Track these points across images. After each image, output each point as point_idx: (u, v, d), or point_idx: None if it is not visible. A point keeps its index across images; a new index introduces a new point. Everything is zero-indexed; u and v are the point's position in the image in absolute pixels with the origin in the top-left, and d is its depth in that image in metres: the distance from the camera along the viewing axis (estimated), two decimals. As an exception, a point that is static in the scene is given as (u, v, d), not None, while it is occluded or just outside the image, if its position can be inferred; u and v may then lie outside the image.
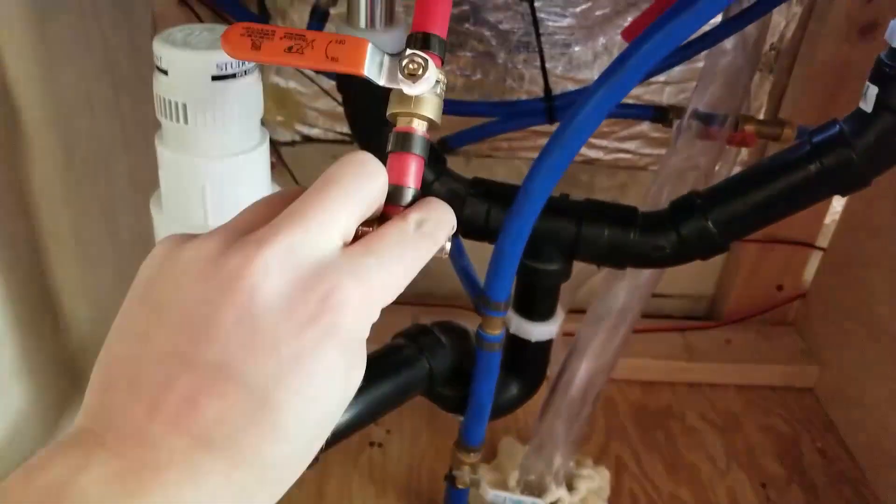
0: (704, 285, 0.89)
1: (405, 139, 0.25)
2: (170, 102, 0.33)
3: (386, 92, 0.25)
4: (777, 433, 0.75)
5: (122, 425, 0.21)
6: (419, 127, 0.25)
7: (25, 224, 0.45)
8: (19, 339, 0.45)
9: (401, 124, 0.25)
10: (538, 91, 0.72)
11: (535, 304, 0.53)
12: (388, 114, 0.26)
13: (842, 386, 0.77)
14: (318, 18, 0.59)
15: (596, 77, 0.73)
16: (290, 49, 0.24)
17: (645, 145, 0.79)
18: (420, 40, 0.25)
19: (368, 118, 0.50)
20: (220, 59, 0.32)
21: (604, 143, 0.79)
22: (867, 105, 0.39)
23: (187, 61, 0.32)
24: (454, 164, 0.80)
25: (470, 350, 0.51)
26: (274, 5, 0.71)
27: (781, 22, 0.72)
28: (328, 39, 0.24)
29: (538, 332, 0.54)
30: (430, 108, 0.25)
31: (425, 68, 0.24)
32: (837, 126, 0.42)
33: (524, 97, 0.75)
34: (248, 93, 0.34)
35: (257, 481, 0.21)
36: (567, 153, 0.38)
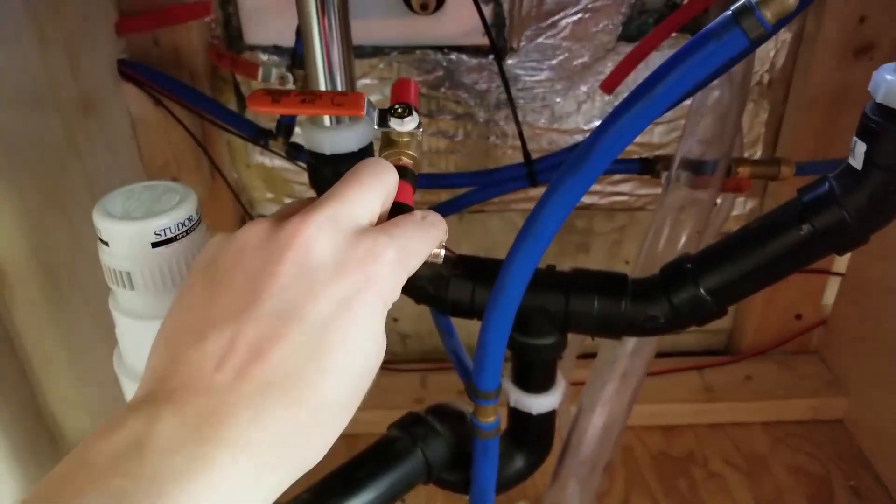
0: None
1: (399, 171, 0.30)
2: (114, 271, 0.33)
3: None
4: (807, 473, 0.72)
5: (190, 381, 0.23)
6: (407, 162, 0.32)
7: (14, 356, 0.45)
8: (20, 473, 0.45)
9: (392, 162, 0.31)
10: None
11: (532, 377, 0.51)
12: (379, 154, 0.33)
13: (873, 416, 0.74)
14: (289, 115, 0.59)
15: (581, 125, 0.73)
16: (303, 101, 0.31)
17: (640, 186, 0.78)
18: (400, 103, 0.33)
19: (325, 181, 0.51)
20: (158, 224, 0.32)
21: (598, 187, 0.78)
22: (856, 161, 0.37)
23: (126, 232, 0.32)
24: (447, 222, 0.79)
25: (468, 433, 0.49)
26: (249, 90, 0.71)
27: (771, 50, 0.71)
28: (333, 94, 0.31)
29: (539, 404, 0.52)
30: (414, 147, 0.33)
31: (409, 112, 0.32)
32: (827, 184, 0.40)
33: (510, 152, 0.74)
34: (192, 251, 0.34)
35: (312, 423, 0.23)
36: (539, 245, 0.36)
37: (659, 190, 0.78)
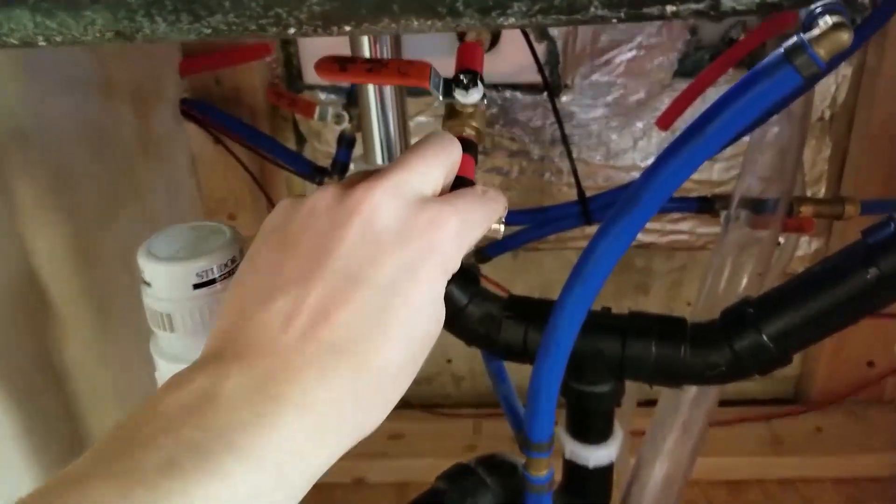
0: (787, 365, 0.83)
1: (462, 144, 0.30)
2: (156, 313, 0.33)
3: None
4: (886, 534, 0.68)
5: (258, 340, 0.23)
6: (470, 134, 0.32)
7: (61, 397, 0.46)
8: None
9: (455, 134, 0.31)
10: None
11: (587, 427, 0.50)
12: (442, 127, 0.32)
13: (958, 473, 0.70)
14: (346, 145, 0.60)
15: (638, 162, 0.72)
16: (369, 70, 0.31)
17: (700, 225, 0.76)
18: (465, 71, 0.32)
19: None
20: (201, 266, 0.32)
21: (657, 225, 0.76)
22: (925, 201, 0.35)
23: (168, 273, 0.32)
24: (501, 260, 0.79)
25: (520, 486, 0.48)
26: (309, 129, 0.73)
27: (832, 85, 0.69)
28: (399, 62, 0.31)
29: (596, 456, 0.50)
30: (478, 119, 0.32)
31: (475, 82, 0.31)
32: (892, 225, 0.38)
33: (565, 189, 0.74)
34: None
35: (373, 387, 0.24)
36: (592, 286, 0.35)
37: (720, 229, 0.76)
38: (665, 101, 0.69)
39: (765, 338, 0.42)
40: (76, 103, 0.46)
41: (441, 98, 0.32)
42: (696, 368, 0.44)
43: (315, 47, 0.69)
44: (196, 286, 0.32)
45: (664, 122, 0.60)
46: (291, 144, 0.74)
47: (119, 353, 0.51)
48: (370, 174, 0.27)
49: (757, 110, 0.31)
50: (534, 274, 0.81)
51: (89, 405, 0.47)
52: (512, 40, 0.65)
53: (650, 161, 0.72)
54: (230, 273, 0.33)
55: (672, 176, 0.33)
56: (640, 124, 0.70)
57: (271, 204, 0.73)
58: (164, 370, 0.35)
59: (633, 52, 0.66)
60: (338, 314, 0.24)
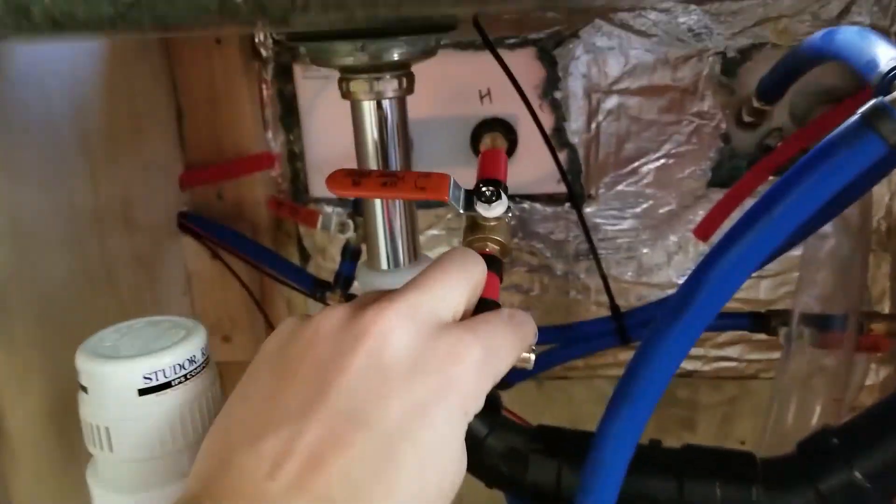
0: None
1: (485, 261, 0.28)
2: (92, 427, 0.26)
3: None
4: None
5: (241, 484, 0.21)
6: (493, 249, 0.30)
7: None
8: None
9: (477, 249, 0.29)
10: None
11: (637, 591, 0.41)
12: (463, 242, 0.31)
13: None
14: (350, 257, 0.55)
15: (673, 279, 0.67)
16: (384, 184, 0.29)
17: (751, 350, 0.69)
18: (488, 182, 0.30)
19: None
20: (149, 367, 0.26)
21: (701, 351, 0.70)
22: None
23: (108, 374, 0.26)
24: (523, 388, 0.72)
25: None
26: (313, 245, 0.70)
27: (885, 195, 0.64)
28: (416, 175, 0.30)
29: None
30: (503, 233, 0.30)
31: (498, 195, 0.29)
32: None
33: (593, 308, 0.68)
34: (192, 402, 0.27)
35: None
36: (641, 412, 0.29)
37: (774, 354, 0.69)
38: (700, 213, 0.65)
39: (858, 475, 0.34)
40: (57, 201, 0.42)
41: (462, 211, 0.30)
42: (772, 516, 0.37)
43: (322, 161, 0.67)
44: (142, 391, 0.26)
45: (703, 232, 0.56)
46: (295, 261, 0.70)
47: (74, 498, 0.43)
48: (384, 294, 0.25)
49: (833, 186, 0.26)
50: (561, 406, 0.73)
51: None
52: (529, 149, 0.62)
53: (686, 278, 0.66)
54: (187, 377, 0.26)
55: (735, 266, 0.27)
56: (673, 237, 0.65)
57: (270, 325, 0.67)
58: (98, 499, 0.28)
59: (662, 161, 0.63)
60: (334, 461, 0.21)
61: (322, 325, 0.24)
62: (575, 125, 0.61)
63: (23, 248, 0.39)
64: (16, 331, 0.38)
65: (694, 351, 0.70)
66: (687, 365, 0.70)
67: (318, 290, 0.58)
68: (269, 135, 0.66)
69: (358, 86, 0.36)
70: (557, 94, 0.60)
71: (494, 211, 0.30)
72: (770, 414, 0.47)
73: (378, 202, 0.43)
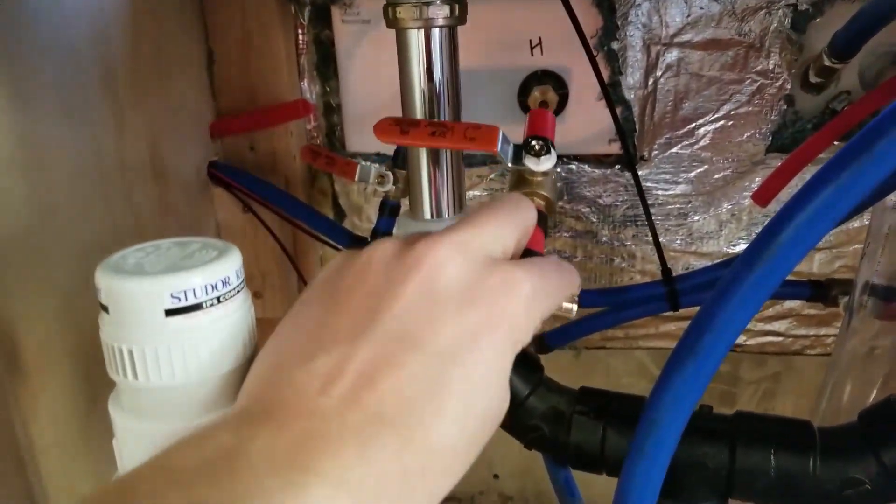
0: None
1: None
2: (114, 350, 0.25)
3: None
4: None
5: (293, 400, 0.22)
6: (539, 204, 0.31)
7: (23, 484, 0.40)
8: None
9: None
10: (654, 270, 0.64)
11: (681, 561, 0.41)
12: None
13: None
14: (388, 212, 0.56)
15: (724, 249, 0.66)
16: (433, 133, 0.30)
17: (798, 325, 0.68)
18: (537, 137, 0.31)
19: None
20: (177, 285, 0.24)
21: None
22: None
23: (132, 292, 0.24)
24: (560, 358, 0.72)
25: None
26: (349, 203, 0.70)
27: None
28: (466, 126, 0.30)
29: None
30: (550, 189, 0.32)
31: (548, 149, 0.31)
32: None
33: (638, 277, 0.67)
34: (224, 328, 0.26)
35: (419, 469, 0.21)
36: (705, 369, 0.29)
37: (822, 330, 0.68)
38: (756, 181, 0.64)
39: (927, 447, 0.34)
40: (79, 139, 0.43)
41: (510, 165, 0.32)
42: (830, 486, 0.36)
43: (360, 115, 0.66)
44: (169, 312, 0.24)
45: (762, 196, 0.55)
46: (329, 218, 0.70)
47: (94, 442, 0.44)
48: (434, 232, 0.26)
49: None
50: (599, 377, 0.73)
51: (56, 501, 0.40)
52: (580, 105, 0.61)
53: (739, 248, 0.66)
54: (220, 299, 0.25)
55: (826, 208, 0.26)
56: (727, 205, 0.65)
57: (303, 281, 0.68)
58: (125, 431, 0.27)
59: (721, 123, 0.62)
60: (386, 380, 0.22)
61: (374, 257, 0.25)
62: (631, 80, 0.60)
63: (45, 191, 0.39)
64: (40, 279, 0.39)
65: (742, 325, 0.69)
66: (734, 339, 0.69)
67: (354, 245, 0.58)
68: (305, 84, 0.66)
69: (405, 12, 0.35)
70: (614, 45, 0.59)
71: (543, 165, 0.31)
72: (825, 387, 0.46)
73: (424, 150, 0.43)
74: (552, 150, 0.32)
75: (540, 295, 0.26)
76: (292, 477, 0.19)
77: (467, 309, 0.24)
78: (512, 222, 0.27)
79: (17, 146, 0.35)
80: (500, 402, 0.24)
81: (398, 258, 0.25)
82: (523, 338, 0.25)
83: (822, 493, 0.37)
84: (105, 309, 0.25)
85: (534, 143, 0.31)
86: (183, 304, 0.24)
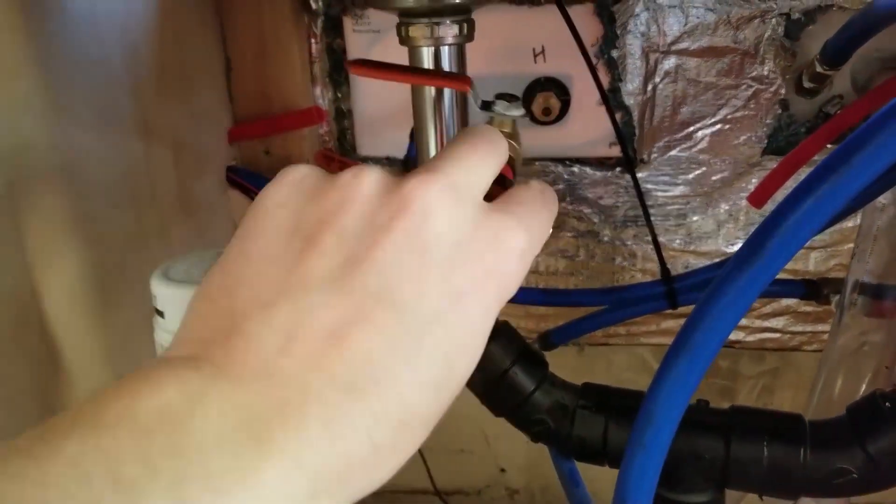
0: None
1: None
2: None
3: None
4: None
5: (248, 357, 0.19)
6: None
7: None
8: None
9: None
10: (655, 269, 0.66)
11: (680, 547, 0.43)
12: None
13: None
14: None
15: (722, 248, 0.67)
16: (410, 71, 0.31)
17: (795, 321, 0.70)
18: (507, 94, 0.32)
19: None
20: None
21: (744, 321, 0.70)
22: None
23: (185, 299, 0.27)
24: (564, 354, 0.74)
25: None
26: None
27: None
28: (440, 69, 0.33)
29: (688, 585, 0.43)
30: (517, 139, 0.32)
31: (517, 99, 0.31)
32: None
33: (639, 276, 0.69)
34: None
35: (390, 442, 0.19)
36: (698, 362, 0.30)
37: (818, 326, 0.70)
38: (753, 182, 0.65)
39: (910, 439, 0.36)
40: (109, 145, 0.45)
41: (480, 110, 0.32)
42: (819, 475, 0.38)
43: (370, 120, 0.68)
44: None
45: (757, 198, 0.56)
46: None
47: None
48: (421, 168, 0.22)
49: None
50: (602, 373, 0.75)
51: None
52: (582, 110, 0.63)
53: (737, 247, 0.67)
54: None
55: (809, 216, 0.28)
56: (725, 206, 0.66)
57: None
58: None
59: (718, 126, 0.63)
60: (359, 342, 0.19)
61: (352, 190, 0.21)
62: (631, 86, 0.62)
63: (78, 194, 0.41)
64: (75, 277, 0.41)
65: (739, 321, 0.71)
66: (730, 335, 0.71)
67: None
68: (318, 91, 0.68)
69: (417, 31, 0.37)
70: (614, 53, 0.61)
71: (513, 111, 0.32)
72: (817, 381, 0.48)
73: (433, 150, 0.45)
74: (520, 104, 0.33)
75: (533, 244, 0.23)
76: (243, 454, 0.17)
77: (456, 266, 0.21)
78: (492, 154, 0.25)
79: (54, 151, 0.37)
80: (476, 356, 0.22)
81: (383, 196, 0.21)
82: (512, 291, 0.23)
83: (810, 481, 0.39)
84: (160, 314, 0.27)
85: (505, 95, 0.32)
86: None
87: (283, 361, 0.18)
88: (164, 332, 0.28)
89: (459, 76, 0.31)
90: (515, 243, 0.22)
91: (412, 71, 0.32)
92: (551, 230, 0.25)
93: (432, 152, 0.44)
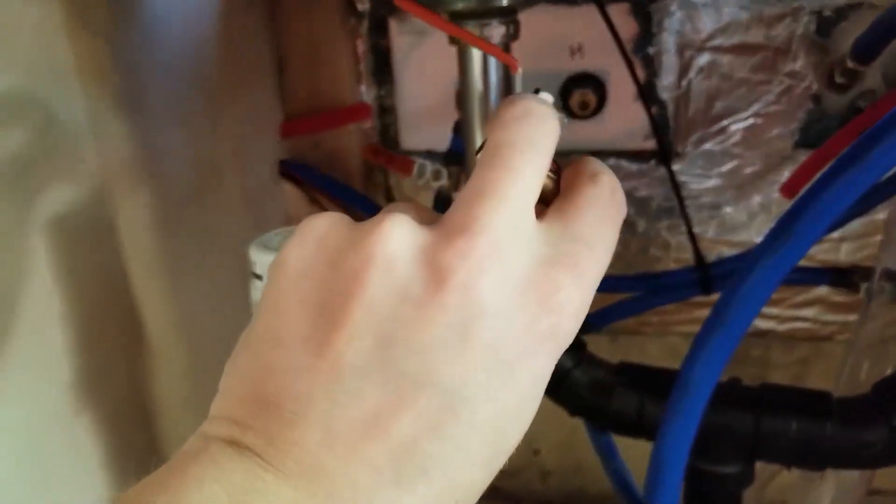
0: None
1: None
2: None
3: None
4: None
5: (289, 448, 0.18)
6: None
7: (148, 433, 0.46)
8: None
9: None
10: (688, 259, 0.68)
11: (710, 516, 0.45)
12: None
13: None
14: (442, 203, 0.60)
15: (754, 238, 0.69)
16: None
17: (826, 311, 0.71)
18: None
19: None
20: None
21: (776, 310, 0.72)
22: None
23: None
24: (597, 342, 0.76)
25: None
26: (401, 195, 0.74)
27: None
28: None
29: (719, 553, 0.45)
30: None
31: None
32: None
33: (672, 266, 0.71)
34: None
35: None
36: (732, 334, 0.33)
37: (850, 316, 0.71)
38: (784, 174, 0.67)
39: (933, 413, 0.38)
40: (182, 141, 0.48)
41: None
42: (844, 448, 0.40)
43: (413, 116, 0.71)
44: None
45: (790, 190, 0.58)
46: (384, 210, 0.75)
47: (203, 400, 0.50)
48: (463, 215, 0.19)
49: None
50: (634, 360, 0.76)
51: (173, 450, 0.46)
52: (618, 105, 0.65)
53: (768, 238, 0.69)
54: None
55: (831, 205, 0.30)
56: (757, 198, 0.68)
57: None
58: None
59: (751, 121, 0.65)
60: (400, 431, 0.18)
61: (378, 249, 0.19)
62: (665, 81, 0.64)
63: (159, 187, 0.45)
64: (159, 262, 0.44)
65: (769, 310, 0.72)
66: (761, 324, 0.72)
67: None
68: (363, 88, 0.71)
69: None
70: (650, 50, 0.63)
71: (548, 97, 0.34)
72: (844, 366, 0.50)
73: (479, 139, 0.48)
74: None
75: (593, 283, 0.21)
76: None
77: (504, 337, 0.19)
78: (539, 161, 0.21)
79: (138, 149, 0.41)
80: (529, 422, 0.20)
81: (416, 263, 0.19)
82: (568, 344, 0.20)
83: (836, 454, 0.41)
84: (258, 277, 0.31)
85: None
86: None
87: (325, 457, 0.18)
88: (260, 292, 0.32)
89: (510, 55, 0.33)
90: (573, 300, 0.20)
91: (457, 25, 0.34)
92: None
93: (478, 141, 0.47)
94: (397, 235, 0.19)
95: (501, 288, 0.19)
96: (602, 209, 0.21)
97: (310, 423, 0.18)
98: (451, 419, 0.18)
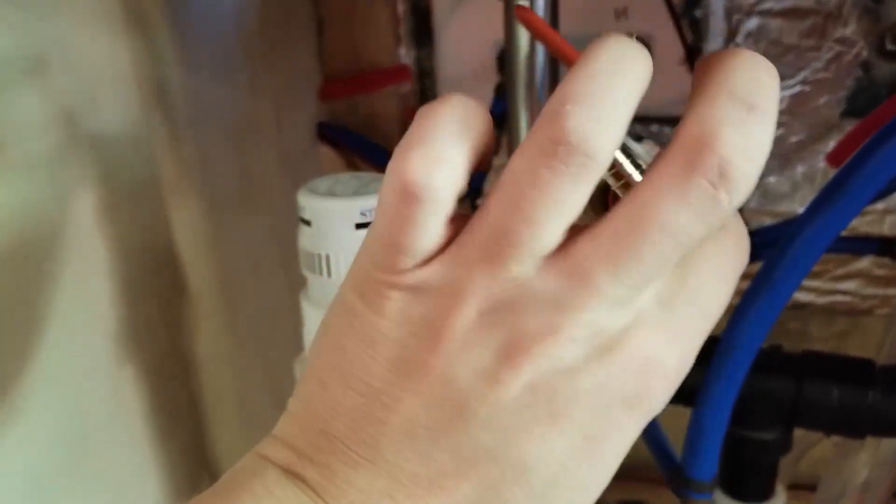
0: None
1: None
2: (313, 255, 0.32)
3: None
4: None
5: (348, 489, 0.18)
6: None
7: (188, 387, 0.47)
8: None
9: None
10: (728, 228, 0.67)
11: (747, 482, 0.45)
12: None
13: None
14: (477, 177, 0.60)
15: (797, 209, 0.68)
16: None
17: (867, 284, 0.70)
18: None
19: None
20: (364, 205, 0.32)
21: (816, 283, 0.71)
22: None
23: (330, 209, 0.32)
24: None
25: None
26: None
27: None
28: None
29: (753, 518, 0.45)
30: None
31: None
32: None
33: (711, 236, 0.70)
34: None
35: None
36: (777, 299, 0.33)
37: (890, 290, 0.70)
38: (830, 144, 0.65)
39: (981, 382, 0.37)
40: (224, 96, 0.49)
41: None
42: (887, 416, 0.40)
43: (452, 79, 0.71)
44: (359, 226, 0.31)
45: (836, 157, 0.57)
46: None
47: (241, 356, 0.51)
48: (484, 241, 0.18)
49: None
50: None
51: (211, 404, 0.48)
52: (662, 69, 0.64)
53: (810, 209, 0.68)
54: None
55: (880, 169, 0.30)
56: (801, 168, 0.67)
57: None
58: (314, 320, 0.34)
59: (798, 88, 0.63)
60: (465, 490, 0.18)
61: (453, 312, 0.18)
62: (713, 46, 0.63)
63: (204, 139, 0.45)
64: (197, 214, 0.45)
65: (808, 283, 0.71)
66: (800, 296, 0.72)
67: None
68: (402, 51, 0.71)
69: None
70: (697, 13, 0.62)
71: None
72: (888, 335, 0.49)
73: (523, 118, 0.47)
74: None
75: (694, 344, 0.19)
76: None
77: (591, 410, 0.17)
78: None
79: (189, 104, 0.41)
80: (602, 490, 0.19)
81: (492, 329, 0.17)
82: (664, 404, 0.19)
83: (878, 423, 0.40)
84: (306, 223, 0.31)
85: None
86: (369, 219, 0.32)
87: None
88: (309, 238, 0.32)
89: None
90: (668, 365, 0.18)
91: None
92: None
93: (522, 114, 0.47)
94: (475, 288, 0.18)
95: (590, 363, 0.17)
96: (720, 262, 0.19)
97: (376, 469, 0.18)
98: (521, 492, 0.17)
